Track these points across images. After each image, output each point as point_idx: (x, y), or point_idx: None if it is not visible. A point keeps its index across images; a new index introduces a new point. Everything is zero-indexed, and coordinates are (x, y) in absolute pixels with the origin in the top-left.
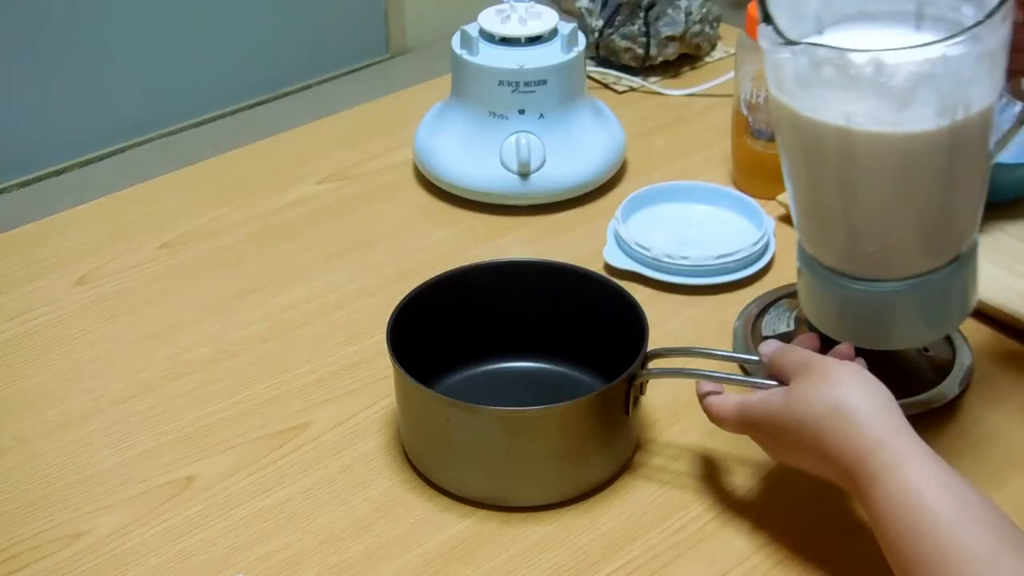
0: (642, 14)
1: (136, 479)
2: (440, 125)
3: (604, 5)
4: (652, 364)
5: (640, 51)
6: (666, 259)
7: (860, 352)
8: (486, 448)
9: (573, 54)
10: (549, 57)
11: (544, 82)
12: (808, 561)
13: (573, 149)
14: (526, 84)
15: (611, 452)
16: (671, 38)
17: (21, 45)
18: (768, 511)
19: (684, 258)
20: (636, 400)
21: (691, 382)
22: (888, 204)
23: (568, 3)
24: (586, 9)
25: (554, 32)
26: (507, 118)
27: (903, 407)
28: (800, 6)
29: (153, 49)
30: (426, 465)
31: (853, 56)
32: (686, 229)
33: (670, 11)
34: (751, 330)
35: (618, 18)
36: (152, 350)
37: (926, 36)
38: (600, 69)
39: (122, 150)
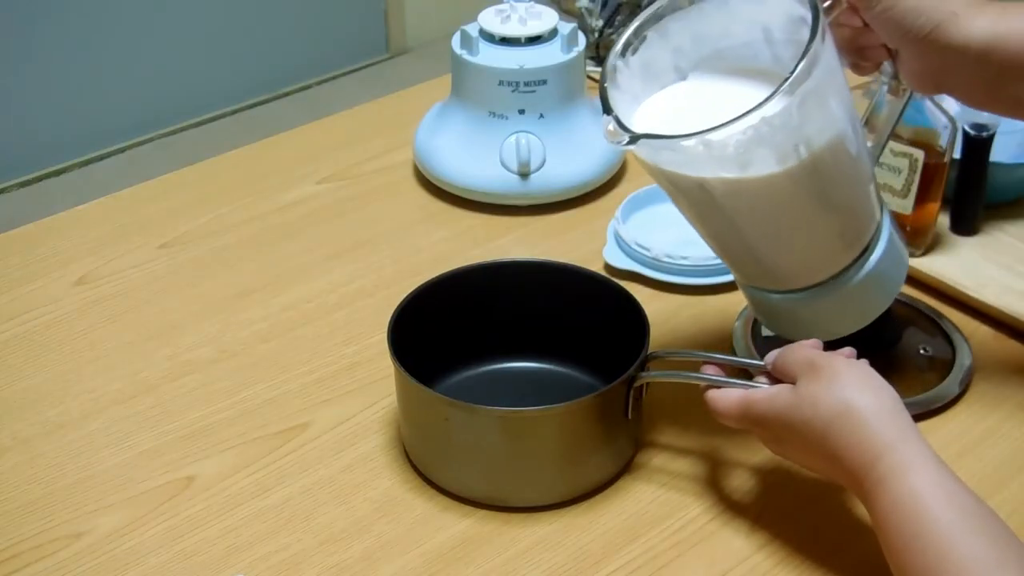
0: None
1: (136, 479)
2: (440, 125)
3: (604, 5)
4: (652, 365)
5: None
6: (666, 259)
7: (861, 353)
8: (486, 448)
9: (573, 54)
10: (549, 57)
11: (544, 82)
12: (808, 561)
13: (573, 149)
14: (526, 84)
15: (611, 452)
16: None
17: (21, 45)
18: (767, 512)
19: (684, 258)
20: (636, 401)
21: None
22: (768, 232)
23: (568, 3)
24: (586, 9)
25: (554, 32)
26: (507, 118)
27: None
28: (654, 65)
29: (153, 49)
30: (426, 465)
31: (683, 142)
32: (686, 229)
33: None
34: (751, 330)
35: (618, 18)
36: (152, 350)
37: (774, 72)
38: (600, 69)
39: (122, 150)
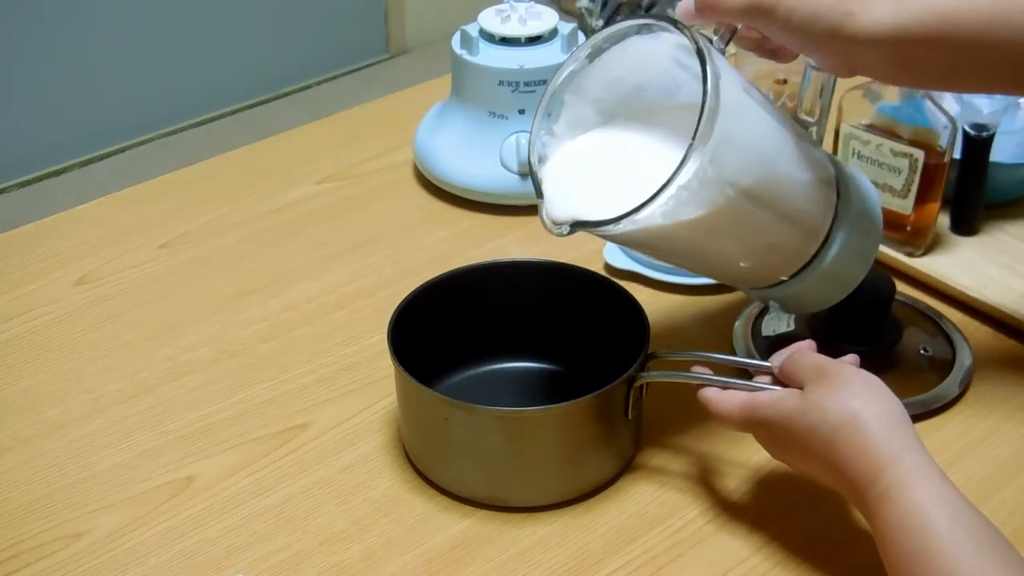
0: (642, 14)
1: (136, 479)
2: (440, 125)
3: (604, 5)
4: (652, 365)
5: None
6: None
7: (864, 356)
8: (486, 448)
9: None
10: (549, 57)
11: (544, 82)
12: (806, 562)
13: None
14: (526, 84)
15: (611, 453)
16: None
17: (21, 45)
18: (767, 513)
19: None
20: (636, 402)
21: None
22: (721, 253)
23: (568, 3)
24: (586, 9)
25: (554, 32)
26: (507, 118)
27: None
28: (580, 123)
29: (153, 49)
30: (426, 465)
31: (609, 227)
32: None
33: (670, 11)
34: (751, 330)
35: (618, 18)
36: (152, 350)
37: (695, 104)
38: None
39: (122, 150)
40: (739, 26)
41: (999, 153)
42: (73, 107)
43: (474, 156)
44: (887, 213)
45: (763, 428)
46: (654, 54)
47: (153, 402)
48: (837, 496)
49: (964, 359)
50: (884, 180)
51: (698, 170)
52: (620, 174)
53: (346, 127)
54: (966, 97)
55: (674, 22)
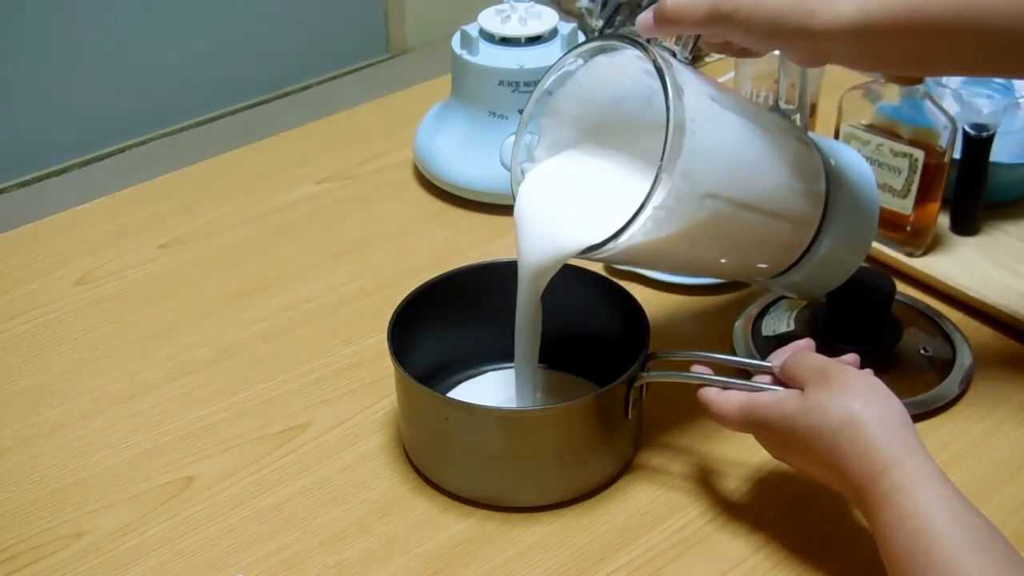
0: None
1: (136, 479)
2: (440, 125)
3: (604, 5)
4: (652, 365)
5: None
6: None
7: (864, 356)
8: (485, 448)
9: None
10: (549, 57)
11: None
12: (807, 562)
13: None
14: (526, 84)
15: (611, 453)
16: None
17: (21, 45)
18: (767, 513)
19: None
20: (636, 402)
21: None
22: (712, 258)
23: (568, 3)
24: (586, 9)
25: (554, 32)
26: (507, 118)
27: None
28: (560, 142)
29: (153, 49)
30: (426, 465)
31: (596, 253)
32: None
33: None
34: (751, 330)
35: (618, 18)
36: (152, 350)
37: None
38: None
39: (122, 150)
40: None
41: (999, 153)
42: (73, 107)
43: (474, 156)
44: (887, 213)
45: (763, 428)
46: (624, 66)
47: (153, 402)
48: (837, 496)
49: (964, 359)
50: (884, 180)
51: (671, 190)
52: (594, 200)
53: (346, 127)
54: (966, 97)
55: (632, 40)
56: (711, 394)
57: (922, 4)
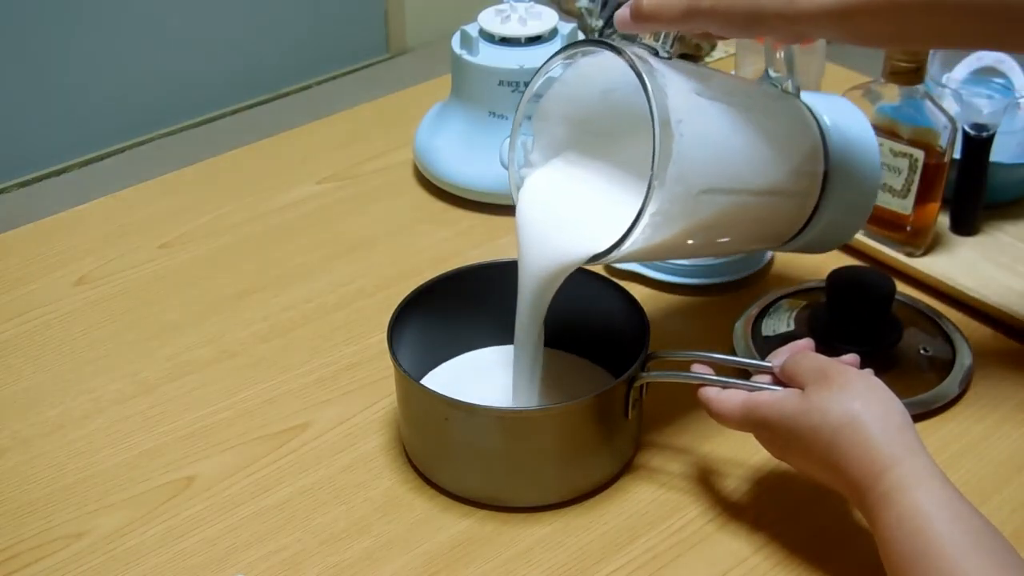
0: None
1: (136, 479)
2: (440, 125)
3: (604, 5)
4: (652, 365)
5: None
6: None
7: (864, 356)
8: (485, 448)
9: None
10: None
11: None
12: (807, 562)
13: None
14: (526, 84)
15: (611, 453)
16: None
17: (21, 45)
18: (767, 513)
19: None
20: (636, 402)
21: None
22: (715, 243)
23: (568, 3)
24: (586, 9)
25: (554, 32)
26: (507, 118)
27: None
28: (555, 142)
29: (153, 49)
30: (426, 465)
31: (598, 261)
32: None
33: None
34: (751, 330)
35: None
36: (152, 350)
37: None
38: None
39: (122, 150)
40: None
41: (999, 153)
42: (73, 107)
43: (474, 156)
44: (887, 213)
45: (764, 428)
46: (610, 58)
47: (153, 402)
48: (837, 496)
49: (964, 359)
50: (884, 180)
51: (665, 195)
52: (595, 207)
53: (346, 127)
54: (966, 97)
55: (610, 45)
56: (711, 393)
57: None
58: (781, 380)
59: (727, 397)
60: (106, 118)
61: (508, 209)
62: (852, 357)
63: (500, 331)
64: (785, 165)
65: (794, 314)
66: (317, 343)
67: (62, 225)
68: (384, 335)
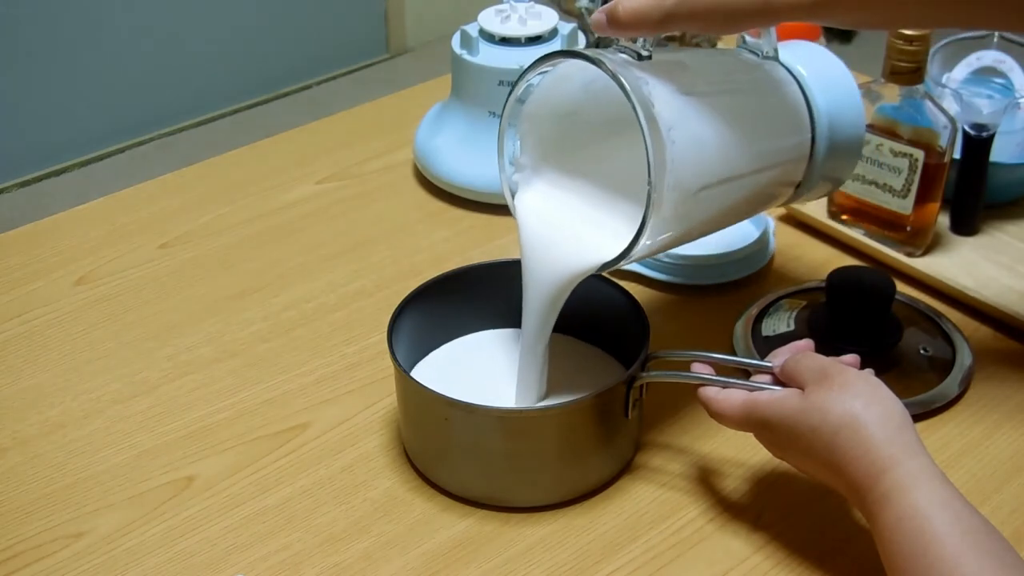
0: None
1: (136, 479)
2: (440, 125)
3: (604, 5)
4: (652, 365)
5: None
6: (666, 259)
7: (864, 356)
8: (485, 448)
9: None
10: None
11: None
12: (807, 562)
13: None
14: None
15: (611, 453)
16: (671, 38)
17: (21, 45)
18: (767, 513)
19: (684, 258)
20: (636, 402)
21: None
22: (718, 220)
23: (568, 3)
24: (586, 9)
25: (554, 32)
26: None
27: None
28: (541, 144)
29: (153, 49)
30: (426, 465)
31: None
32: None
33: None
34: (751, 331)
35: None
36: (152, 350)
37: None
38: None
39: (122, 150)
40: None
41: (999, 153)
42: (73, 107)
43: (474, 156)
44: (887, 213)
45: (763, 428)
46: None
47: (153, 402)
48: (837, 496)
49: (964, 359)
50: (884, 180)
51: (665, 203)
52: (595, 214)
53: (346, 127)
54: (966, 97)
55: (592, 59)
56: (711, 393)
57: None
58: (781, 380)
59: (727, 397)
60: (106, 118)
61: (508, 209)
62: (852, 357)
63: (500, 330)
64: (777, 137)
65: (794, 314)
66: (317, 343)
67: (62, 225)
68: (384, 335)
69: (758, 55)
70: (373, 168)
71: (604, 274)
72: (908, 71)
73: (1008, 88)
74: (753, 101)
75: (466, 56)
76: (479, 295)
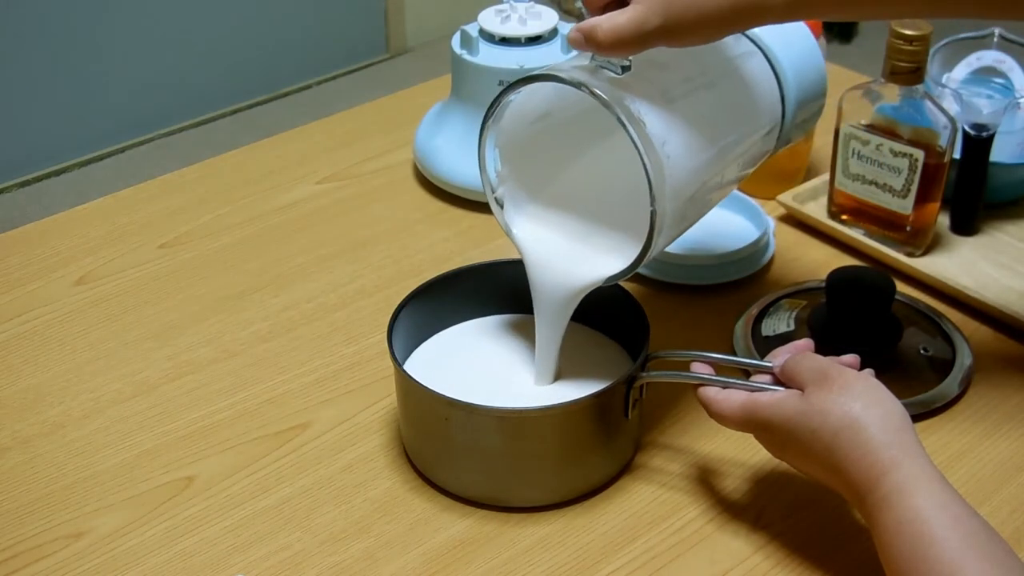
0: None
1: (136, 479)
2: (440, 125)
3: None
4: (652, 365)
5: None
6: (666, 259)
7: (864, 356)
8: (485, 448)
9: (573, 54)
10: (549, 57)
11: None
12: (807, 562)
13: None
14: None
15: (611, 453)
16: None
17: (21, 45)
18: (767, 512)
19: (684, 258)
20: (636, 402)
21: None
22: (719, 198)
23: (568, 3)
24: (586, 9)
25: (554, 32)
26: None
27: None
28: (521, 151)
29: (153, 49)
30: (426, 465)
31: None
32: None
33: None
34: (751, 330)
35: None
36: (152, 350)
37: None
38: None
39: (122, 150)
40: None
41: (999, 153)
42: (73, 107)
43: (474, 156)
44: (887, 213)
45: (763, 429)
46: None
47: (153, 402)
48: (837, 496)
49: (964, 359)
50: (884, 180)
51: (666, 213)
52: (596, 225)
53: (346, 127)
54: (966, 97)
55: (578, 84)
56: (711, 393)
57: None
58: (781, 380)
59: (727, 397)
60: (106, 118)
61: None
62: (852, 358)
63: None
64: (755, 115)
65: (794, 314)
66: (317, 343)
67: (62, 225)
68: (384, 335)
69: None
70: (373, 168)
71: None
72: (908, 71)
73: (1008, 88)
74: (729, 88)
75: (466, 56)
76: (479, 295)
